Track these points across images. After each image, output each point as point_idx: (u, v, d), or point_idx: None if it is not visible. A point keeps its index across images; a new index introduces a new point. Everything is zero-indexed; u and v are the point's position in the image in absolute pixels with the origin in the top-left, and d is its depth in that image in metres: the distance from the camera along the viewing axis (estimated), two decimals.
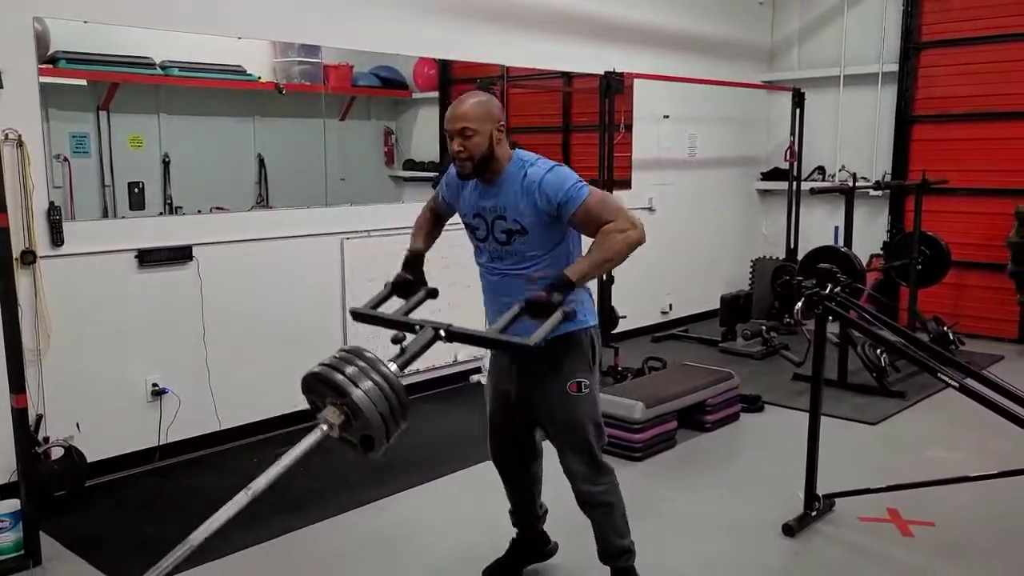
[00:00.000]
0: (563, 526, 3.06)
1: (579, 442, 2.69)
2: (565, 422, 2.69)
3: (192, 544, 1.97)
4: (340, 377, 2.03)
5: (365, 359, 2.06)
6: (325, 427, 2.07)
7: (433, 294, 2.64)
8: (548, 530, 3.11)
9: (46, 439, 3.73)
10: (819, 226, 7.46)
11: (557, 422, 2.72)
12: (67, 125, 5.10)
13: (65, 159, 4.87)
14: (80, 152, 5.11)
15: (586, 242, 2.56)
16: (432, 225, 2.91)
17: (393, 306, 2.64)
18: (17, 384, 3.12)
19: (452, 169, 2.69)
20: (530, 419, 2.81)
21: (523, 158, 2.58)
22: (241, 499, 2.00)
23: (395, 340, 2.23)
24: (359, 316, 2.59)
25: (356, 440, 2.12)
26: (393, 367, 2.11)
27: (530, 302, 2.32)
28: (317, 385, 2.12)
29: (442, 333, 2.27)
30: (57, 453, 3.75)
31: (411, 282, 2.66)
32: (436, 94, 6.90)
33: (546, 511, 3.07)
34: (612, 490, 2.76)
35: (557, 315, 2.28)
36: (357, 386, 2.02)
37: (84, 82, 4.85)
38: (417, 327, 2.29)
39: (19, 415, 3.15)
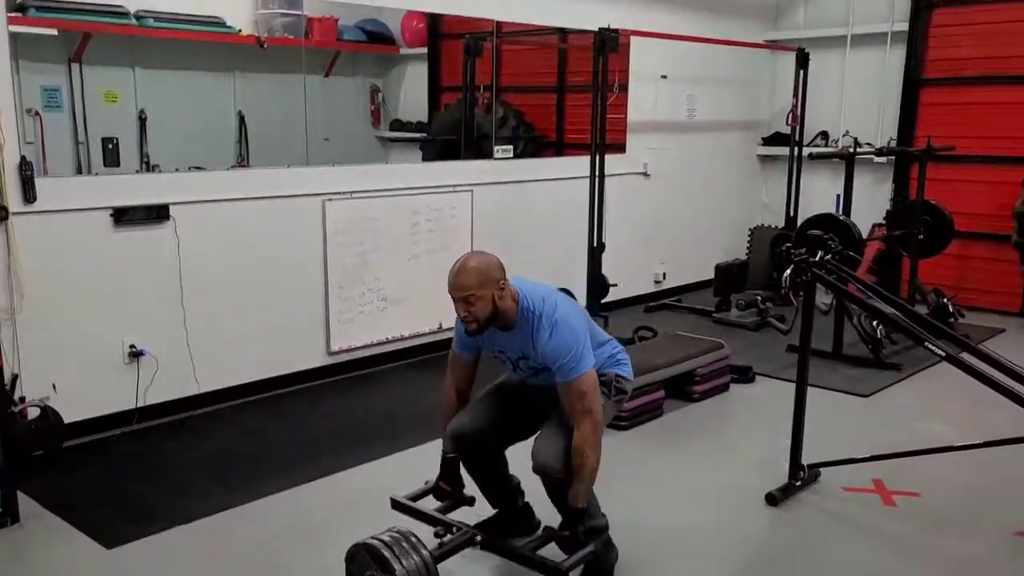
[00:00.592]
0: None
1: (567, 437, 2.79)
2: (562, 419, 2.81)
3: None
4: (388, 552, 2.44)
5: (410, 542, 2.51)
6: None
7: (470, 503, 3.03)
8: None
9: (22, 399, 3.85)
10: (821, 194, 7.54)
11: (556, 418, 2.83)
12: (38, 77, 5.14)
13: (36, 113, 4.93)
14: (52, 106, 5.17)
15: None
16: (466, 385, 3.06)
17: None
18: None
19: (461, 332, 2.91)
20: (523, 423, 2.99)
21: (527, 309, 2.78)
22: None
23: (437, 536, 2.78)
24: (399, 506, 3.03)
25: None
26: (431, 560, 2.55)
27: (560, 541, 2.75)
28: (362, 555, 2.51)
29: (478, 539, 2.80)
30: (33, 413, 3.88)
31: (450, 492, 3.01)
32: (425, 50, 6.94)
33: (518, 482, 3.16)
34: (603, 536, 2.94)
35: (589, 547, 2.72)
36: (401, 564, 2.43)
37: (55, 32, 4.90)
38: (455, 528, 2.83)
39: None
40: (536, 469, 2.81)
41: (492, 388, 3.09)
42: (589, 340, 2.82)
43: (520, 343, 2.82)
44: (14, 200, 3.80)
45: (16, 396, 3.83)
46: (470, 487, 3.07)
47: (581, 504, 2.74)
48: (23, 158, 3.82)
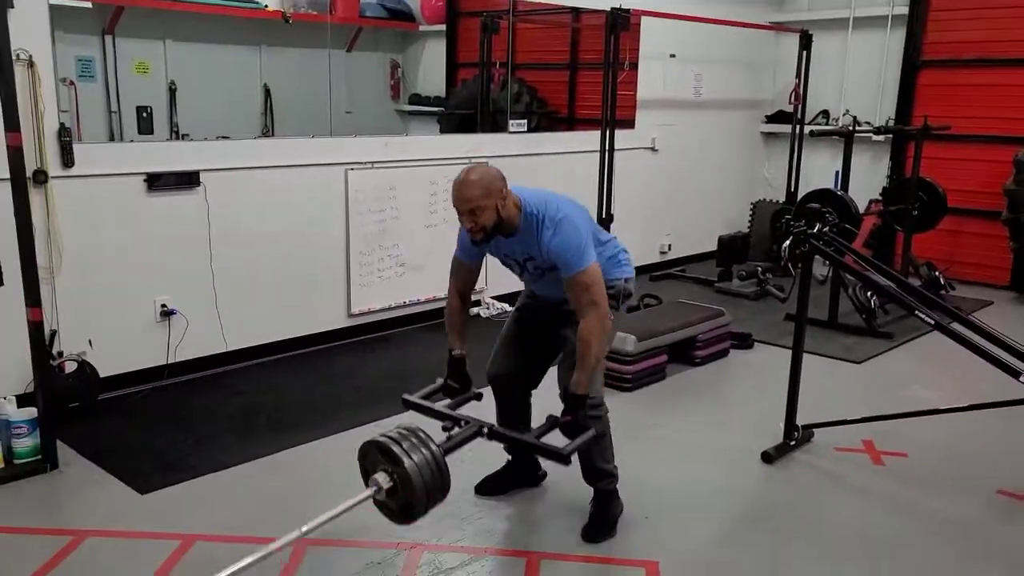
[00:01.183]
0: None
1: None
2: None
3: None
4: (397, 448, 2.35)
5: (419, 437, 2.40)
6: (374, 488, 2.37)
7: (478, 397, 2.97)
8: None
9: (60, 353, 3.89)
10: (821, 170, 7.50)
11: (571, 346, 2.85)
12: (73, 48, 5.14)
13: (71, 83, 4.92)
14: (86, 76, 5.18)
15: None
16: (463, 314, 3.05)
17: None
18: (33, 298, 3.27)
19: (464, 239, 2.90)
20: (543, 353, 3.04)
21: (529, 213, 2.75)
22: (292, 535, 2.29)
23: (445, 430, 2.67)
24: (410, 404, 2.92)
25: (396, 507, 2.40)
26: (440, 451, 2.43)
27: (563, 426, 2.71)
28: (373, 452, 2.43)
29: (485, 430, 2.68)
30: (71, 367, 3.92)
31: (458, 389, 2.97)
32: (443, 27, 6.90)
33: None
34: (602, 410, 2.92)
35: (590, 432, 2.65)
36: (410, 457, 2.34)
37: (89, 4, 4.88)
38: (463, 422, 2.70)
39: (34, 328, 3.30)
40: (564, 396, 2.84)
41: (513, 329, 3.10)
42: (591, 237, 2.80)
43: (525, 245, 2.80)
44: (53, 165, 3.80)
45: (54, 351, 3.87)
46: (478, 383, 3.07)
47: (582, 391, 2.70)
48: (62, 124, 3.82)
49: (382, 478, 2.36)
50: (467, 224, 2.71)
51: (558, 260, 2.72)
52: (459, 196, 2.68)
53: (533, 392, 3.18)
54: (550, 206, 2.75)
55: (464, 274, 3.02)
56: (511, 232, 2.77)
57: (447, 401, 2.92)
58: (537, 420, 2.96)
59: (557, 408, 2.83)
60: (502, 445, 3.20)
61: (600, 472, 2.96)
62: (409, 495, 2.34)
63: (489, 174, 2.70)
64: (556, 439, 2.72)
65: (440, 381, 3.00)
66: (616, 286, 2.94)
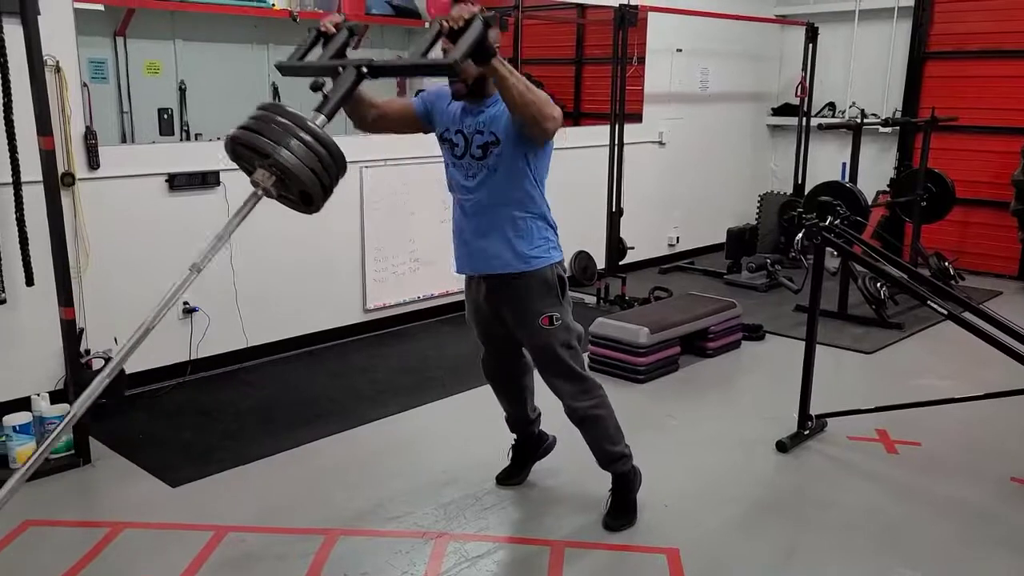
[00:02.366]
0: (564, 427, 3.21)
1: (557, 367, 2.89)
2: (541, 351, 2.90)
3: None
4: (263, 140, 1.98)
5: (287, 115, 2.00)
6: (260, 191, 2.09)
7: (357, 29, 2.44)
8: (547, 427, 3.38)
9: (87, 351, 4.00)
10: (828, 162, 7.59)
11: (533, 350, 2.94)
12: (85, 51, 5.21)
13: (84, 85, 5.01)
14: (99, 78, 5.25)
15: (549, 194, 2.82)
16: (386, 106, 2.81)
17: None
18: (66, 297, 3.37)
19: (435, 89, 2.81)
20: (513, 338, 3.00)
21: None
22: (191, 276, 2.23)
23: (314, 87, 2.18)
24: (286, 70, 2.46)
25: (296, 197, 2.13)
26: (320, 119, 2.08)
27: (451, 29, 2.28)
28: (242, 150, 2.07)
29: (364, 70, 2.19)
30: (98, 364, 4.02)
31: (335, 33, 2.42)
32: None
33: (539, 414, 3.33)
34: (600, 403, 2.96)
35: (476, 25, 2.21)
36: (281, 145, 1.97)
37: (101, 7, 4.96)
38: (340, 68, 2.21)
39: (68, 326, 3.41)
40: (571, 418, 2.95)
41: (474, 328, 3.13)
42: None
43: (486, 114, 2.69)
44: (80, 167, 3.90)
45: (82, 348, 3.97)
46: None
47: (496, 57, 2.34)
48: (87, 127, 3.92)
49: (262, 176, 2.06)
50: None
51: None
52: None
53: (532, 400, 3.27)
54: None
55: (398, 104, 2.88)
56: (483, 99, 2.68)
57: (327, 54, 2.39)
58: (556, 412, 3.06)
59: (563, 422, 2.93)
60: (510, 431, 3.34)
61: (611, 455, 3.03)
62: (299, 186, 2.05)
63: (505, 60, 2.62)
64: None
65: (314, 32, 2.44)
66: (549, 270, 2.83)
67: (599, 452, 3.04)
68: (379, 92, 2.80)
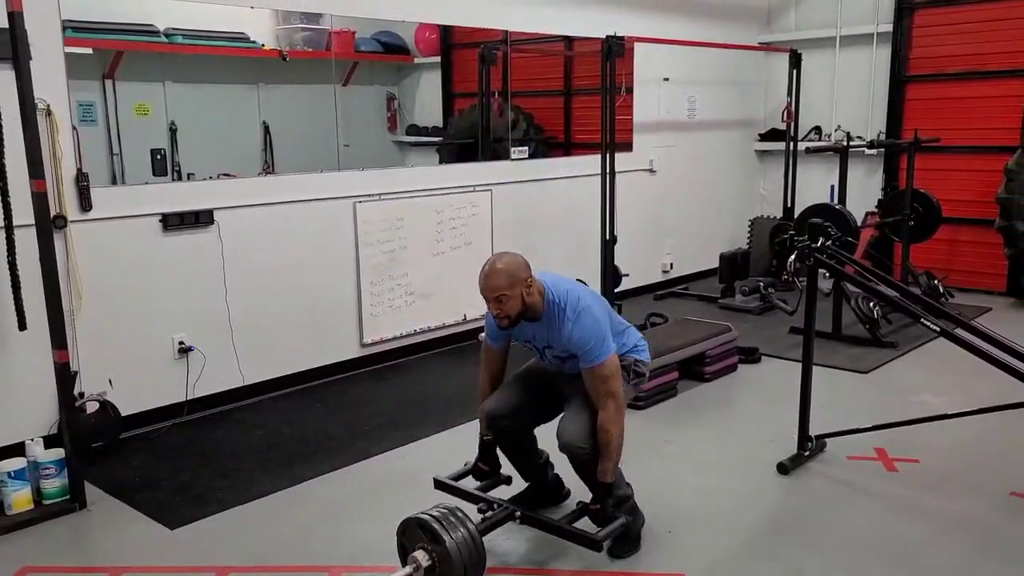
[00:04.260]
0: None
1: (590, 415, 2.88)
2: (584, 399, 2.91)
3: None
4: (437, 526, 2.51)
5: (457, 517, 2.58)
6: (412, 566, 2.52)
7: (507, 482, 3.17)
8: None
9: (81, 394, 3.96)
10: (816, 185, 7.64)
11: (578, 397, 2.94)
12: (75, 94, 5.23)
13: (73, 127, 5.04)
14: (88, 120, 5.27)
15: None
16: (498, 375, 3.17)
17: None
18: (59, 340, 3.35)
19: (491, 318, 2.99)
20: (550, 404, 3.09)
21: (552, 302, 2.87)
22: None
23: (480, 511, 2.92)
24: (442, 485, 3.16)
25: None
26: (477, 533, 2.63)
27: (591, 514, 2.89)
28: (413, 528, 2.57)
29: (517, 515, 2.93)
30: (92, 407, 3.98)
31: (488, 472, 3.16)
32: (438, 59, 7.04)
33: (547, 457, 3.27)
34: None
35: (620, 520, 2.86)
36: (450, 536, 2.50)
37: (90, 51, 4.99)
38: (495, 504, 2.96)
39: (62, 369, 3.38)
40: (562, 448, 2.91)
41: (522, 372, 3.18)
42: (610, 328, 2.92)
43: (547, 333, 2.92)
44: (72, 209, 3.90)
45: (76, 391, 3.94)
46: (506, 467, 3.19)
47: (610, 479, 2.85)
48: (79, 170, 3.93)
49: (421, 556, 2.51)
50: (494, 311, 2.84)
51: (578, 350, 2.84)
52: (487, 285, 2.81)
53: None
54: (571, 295, 2.87)
55: (494, 362, 3.14)
56: (535, 317, 2.89)
57: (477, 484, 3.16)
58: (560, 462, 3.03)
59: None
60: (524, 480, 3.30)
61: (618, 501, 3.00)
62: (448, 573, 2.47)
63: (515, 263, 2.84)
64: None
65: (469, 464, 3.17)
66: (628, 359, 3.05)
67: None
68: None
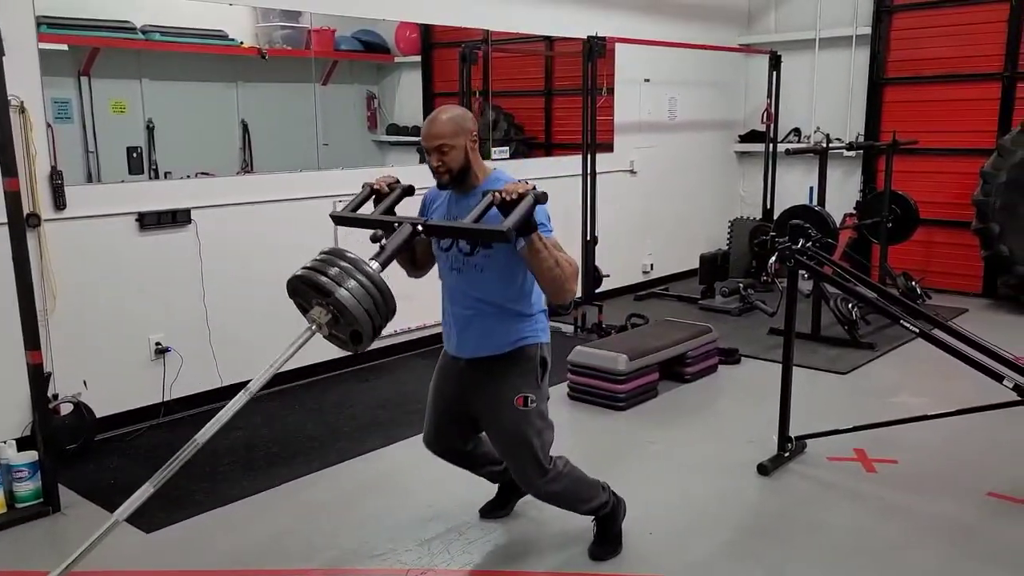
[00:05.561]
0: None
1: (523, 455, 2.73)
2: (509, 436, 2.74)
3: (198, 443, 2.28)
4: (324, 279, 2.16)
5: (347, 259, 2.19)
6: (314, 327, 2.23)
7: (409, 191, 2.67)
8: None
9: (55, 396, 3.90)
10: (795, 186, 7.71)
11: (500, 433, 2.78)
12: (49, 91, 5.17)
13: (48, 125, 4.97)
14: (63, 118, 5.20)
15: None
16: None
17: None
18: (32, 341, 3.29)
19: (427, 194, 2.79)
20: (469, 425, 2.89)
21: (501, 177, 2.65)
22: (242, 399, 2.30)
23: (374, 239, 2.38)
24: (340, 220, 2.70)
25: (346, 336, 2.25)
26: (375, 265, 2.25)
27: (503, 200, 2.35)
28: (302, 288, 2.25)
29: (419, 228, 2.40)
30: (66, 409, 3.92)
31: (387, 192, 2.66)
32: (419, 58, 7.02)
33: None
34: (560, 477, 2.81)
35: (528, 200, 2.33)
36: (341, 286, 2.14)
37: (65, 47, 4.93)
38: (396, 224, 2.42)
39: (35, 371, 3.33)
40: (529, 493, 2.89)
41: (433, 399, 2.99)
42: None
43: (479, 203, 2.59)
44: (45, 207, 3.84)
45: (50, 393, 3.88)
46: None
47: (536, 231, 2.40)
48: (53, 167, 3.87)
49: (318, 313, 2.22)
50: (435, 162, 2.61)
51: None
52: (428, 133, 2.58)
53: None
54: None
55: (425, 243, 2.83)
56: (469, 189, 2.66)
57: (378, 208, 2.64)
58: None
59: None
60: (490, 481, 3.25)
61: (588, 510, 2.96)
62: (352, 323, 2.18)
63: (462, 114, 2.64)
64: None
65: (367, 188, 2.69)
66: (532, 353, 2.75)
67: (575, 512, 2.97)
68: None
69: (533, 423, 2.72)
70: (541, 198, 2.38)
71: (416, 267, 2.88)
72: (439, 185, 2.70)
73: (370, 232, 2.43)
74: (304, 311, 2.29)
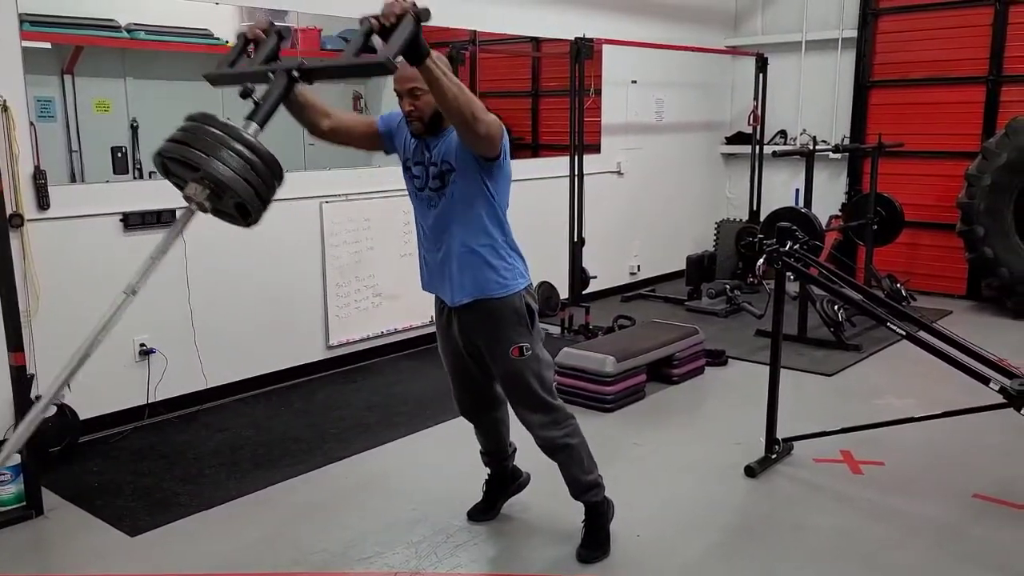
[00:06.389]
0: (535, 461, 3.20)
1: (529, 398, 2.87)
2: (512, 383, 2.88)
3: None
4: (193, 151, 1.89)
5: (217, 125, 1.91)
6: (194, 206, 1.97)
7: (286, 32, 2.27)
8: (521, 464, 3.35)
9: (38, 398, 3.84)
10: (781, 188, 7.76)
11: (504, 382, 2.92)
12: (32, 89, 5.12)
13: (31, 124, 4.92)
14: (46, 117, 5.14)
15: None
16: (344, 117, 2.78)
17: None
18: (15, 342, 3.26)
19: (399, 113, 2.74)
20: (484, 370, 2.99)
21: None
22: (121, 298, 2.09)
23: (243, 95, 2.08)
24: (215, 78, 2.36)
25: (232, 211, 2.04)
26: (252, 127, 2.01)
27: (382, 26, 2.13)
28: (172, 165, 1.97)
29: (296, 73, 2.10)
30: (50, 411, 3.88)
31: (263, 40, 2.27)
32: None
33: (515, 449, 3.30)
34: (572, 432, 2.94)
35: (407, 21, 2.10)
36: (213, 157, 1.88)
37: (48, 45, 4.87)
38: (269, 74, 2.12)
39: (17, 372, 3.29)
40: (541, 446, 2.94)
41: (448, 367, 3.09)
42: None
43: (443, 145, 2.69)
44: (29, 207, 3.81)
45: (33, 395, 3.83)
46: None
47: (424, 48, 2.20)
48: (36, 167, 3.83)
49: (194, 190, 1.94)
50: (407, 108, 2.60)
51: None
52: (402, 75, 2.53)
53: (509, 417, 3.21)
54: None
55: (360, 120, 2.89)
56: (440, 133, 2.68)
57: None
58: (528, 444, 3.03)
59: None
60: (484, 466, 3.30)
61: (584, 484, 3.00)
62: (234, 198, 1.95)
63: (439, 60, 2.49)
64: None
65: (241, 38, 2.30)
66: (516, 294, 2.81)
67: (572, 481, 3.02)
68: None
69: (531, 367, 2.83)
70: (423, 15, 2.12)
71: (315, 116, 2.66)
72: (412, 132, 2.71)
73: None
74: (180, 188, 2.01)
